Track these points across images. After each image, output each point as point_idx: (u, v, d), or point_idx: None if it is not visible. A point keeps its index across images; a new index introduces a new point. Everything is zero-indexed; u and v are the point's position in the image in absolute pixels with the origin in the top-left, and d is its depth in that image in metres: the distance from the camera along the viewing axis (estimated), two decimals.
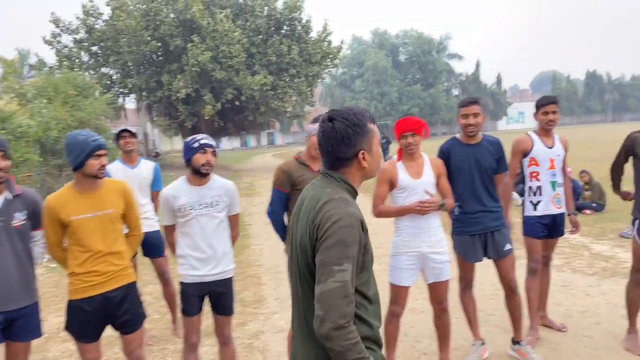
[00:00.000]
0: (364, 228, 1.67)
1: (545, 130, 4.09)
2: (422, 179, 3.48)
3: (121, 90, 26.89)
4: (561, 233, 4.21)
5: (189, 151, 3.16)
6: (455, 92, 78.02)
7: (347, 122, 1.72)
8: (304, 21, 26.94)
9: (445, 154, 3.84)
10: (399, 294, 3.55)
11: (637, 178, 3.88)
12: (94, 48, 25.93)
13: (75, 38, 25.68)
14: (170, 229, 3.36)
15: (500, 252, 3.75)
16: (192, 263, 3.22)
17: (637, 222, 3.90)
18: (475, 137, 3.80)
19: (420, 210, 3.33)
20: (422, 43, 73.38)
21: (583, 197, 10.23)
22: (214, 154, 3.21)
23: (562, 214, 4.17)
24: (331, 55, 27.58)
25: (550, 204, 4.08)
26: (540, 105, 4.08)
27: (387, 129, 59.45)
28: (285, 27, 26.97)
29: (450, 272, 3.57)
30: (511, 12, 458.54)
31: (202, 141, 3.16)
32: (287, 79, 26.32)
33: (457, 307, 4.08)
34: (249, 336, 4.64)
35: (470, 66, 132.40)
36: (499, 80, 79.22)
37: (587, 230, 8.35)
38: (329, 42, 27.65)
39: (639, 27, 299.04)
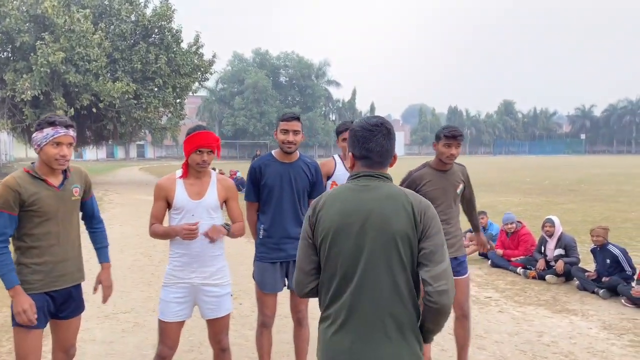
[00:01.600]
0: None
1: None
2: (202, 200, 3.04)
3: None
4: None
5: None
6: (333, 117, 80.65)
7: (392, 127, 2.01)
8: (174, 31, 25.78)
9: (257, 171, 3.51)
10: (165, 331, 3.03)
11: None
12: None
13: None
14: None
15: None
16: None
17: None
18: (291, 156, 3.52)
19: (186, 235, 2.88)
20: (302, 67, 74.95)
21: None
22: None
23: None
24: (202, 68, 26.67)
25: None
26: (338, 132, 3.99)
27: (265, 148, 59.33)
28: (153, 35, 25.58)
29: (231, 305, 3.15)
30: (386, 47, 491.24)
31: None
32: (155, 89, 24.88)
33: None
34: None
35: (347, 93, 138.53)
36: (372, 109, 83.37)
37: None
38: (201, 55, 26.76)
39: (491, 70, 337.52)
